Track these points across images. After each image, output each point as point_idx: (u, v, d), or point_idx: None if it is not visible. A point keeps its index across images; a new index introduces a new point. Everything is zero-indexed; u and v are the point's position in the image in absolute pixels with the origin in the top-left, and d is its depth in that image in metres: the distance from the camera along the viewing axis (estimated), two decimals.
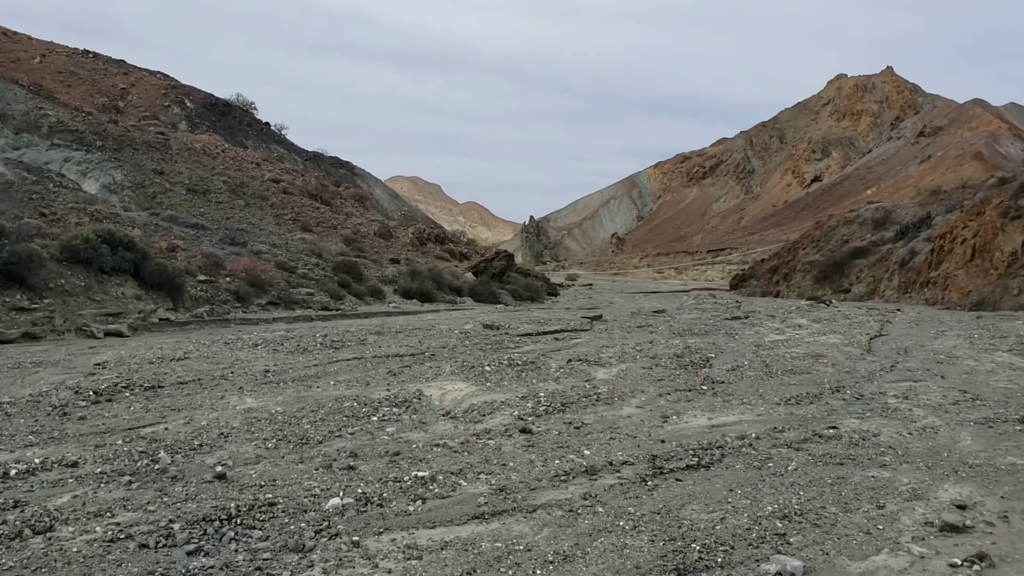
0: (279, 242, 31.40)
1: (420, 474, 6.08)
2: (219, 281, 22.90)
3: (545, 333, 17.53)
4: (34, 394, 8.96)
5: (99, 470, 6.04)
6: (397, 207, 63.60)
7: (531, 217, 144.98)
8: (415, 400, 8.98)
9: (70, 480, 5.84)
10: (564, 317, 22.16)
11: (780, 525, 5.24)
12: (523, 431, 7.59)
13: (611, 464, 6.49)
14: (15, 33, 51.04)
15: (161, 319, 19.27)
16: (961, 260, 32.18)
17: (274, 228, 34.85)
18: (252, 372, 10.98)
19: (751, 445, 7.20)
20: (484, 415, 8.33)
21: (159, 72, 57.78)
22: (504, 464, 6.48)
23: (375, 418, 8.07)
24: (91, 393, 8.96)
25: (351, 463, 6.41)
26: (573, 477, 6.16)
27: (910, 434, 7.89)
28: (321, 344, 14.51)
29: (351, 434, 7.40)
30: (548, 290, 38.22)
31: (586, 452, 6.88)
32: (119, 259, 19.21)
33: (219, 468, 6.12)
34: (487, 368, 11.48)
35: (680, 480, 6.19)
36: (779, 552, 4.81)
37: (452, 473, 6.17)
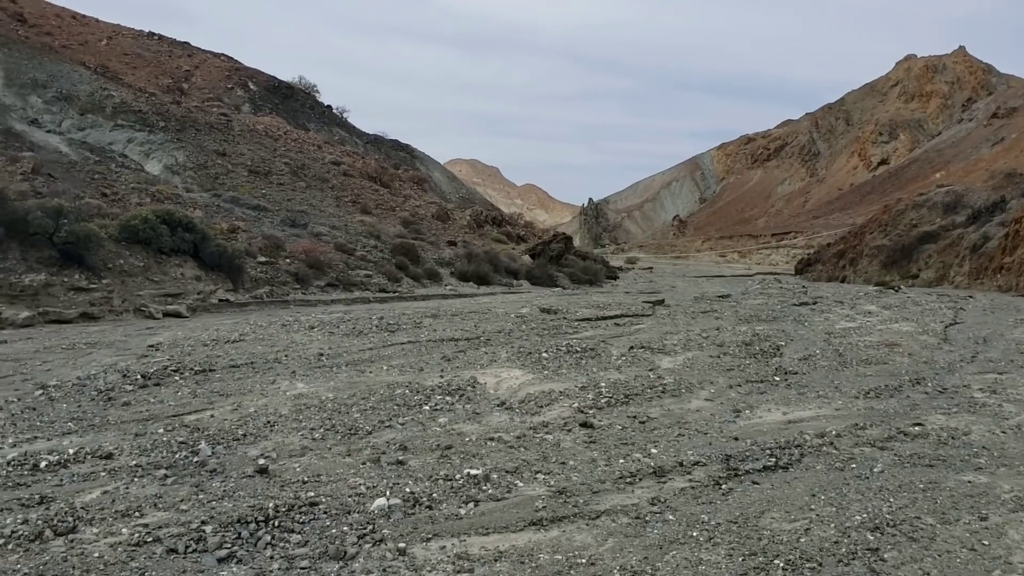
0: (339, 224, 31.38)
1: (473, 472, 5.61)
2: (279, 262, 22.88)
3: (605, 318, 17.05)
4: (82, 377, 8.77)
5: (134, 463, 5.71)
6: (455, 189, 63.40)
7: (590, 199, 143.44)
8: (469, 388, 8.56)
9: (102, 473, 5.51)
10: (624, 301, 21.64)
11: (872, 538, 4.68)
12: (583, 425, 7.09)
13: (681, 464, 5.95)
14: (83, 16, 51.83)
15: (220, 300, 19.25)
16: None
17: (334, 210, 34.84)
18: (306, 355, 10.71)
19: (832, 444, 6.60)
20: (541, 406, 7.85)
21: (223, 54, 58.22)
22: (563, 463, 5.98)
23: (427, 407, 7.66)
24: (139, 377, 8.73)
25: (400, 457, 5.99)
26: (639, 479, 5.64)
27: (1003, 433, 7.22)
28: (376, 327, 14.25)
29: (401, 424, 7.00)
30: (607, 273, 37.59)
31: (653, 450, 6.36)
32: (178, 240, 19.21)
33: (261, 461, 5.74)
34: (544, 355, 11.04)
35: (757, 483, 5.63)
36: (874, 571, 4.27)
37: (507, 472, 5.70)
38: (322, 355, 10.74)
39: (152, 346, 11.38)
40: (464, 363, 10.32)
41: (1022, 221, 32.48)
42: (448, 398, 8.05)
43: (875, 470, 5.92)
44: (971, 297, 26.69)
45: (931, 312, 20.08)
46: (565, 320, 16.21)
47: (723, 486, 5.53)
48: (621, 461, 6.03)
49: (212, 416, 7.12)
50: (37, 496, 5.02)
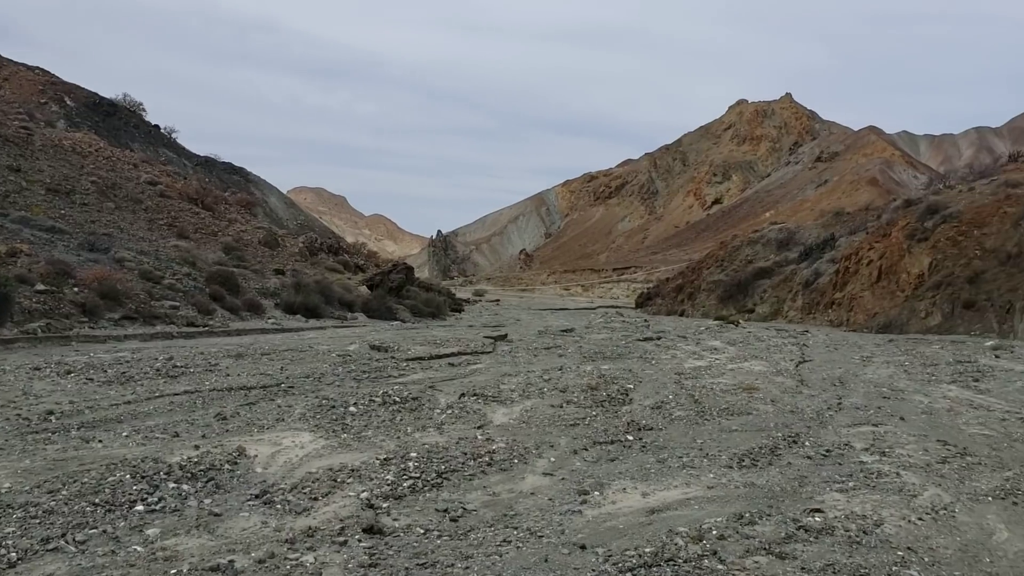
0: (148, 249, 28.06)
1: None
2: (63, 292, 19.62)
3: (439, 357, 15.24)
4: None
5: None
6: (293, 216, 60.08)
7: (439, 231, 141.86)
8: (227, 466, 6.17)
9: None
10: (465, 337, 19.86)
11: None
12: (368, 531, 4.85)
13: None
14: None
15: None
16: (867, 282, 31.62)
17: (145, 234, 31.38)
18: (28, 414, 8.09)
19: (715, 553, 4.64)
20: (318, 496, 5.55)
21: (37, 68, 52.99)
22: None
23: (142, 505, 5.17)
24: None
25: None
26: None
27: (920, 520, 5.60)
28: (156, 371, 11.72)
29: (80, 544, 4.50)
30: (452, 306, 35.77)
31: None
32: None
33: None
34: (352, 409, 8.90)
35: None
36: None
37: None
38: (52, 413, 8.13)
39: None
40: (242, 424, 7.99)
41: (852, 258, 33.24)
42: (186, 486, 5.60)
43: None
44: (807, 332, 26.67)
45: (777, 349, 19.37)
46: (394, 360, 14.24)
47: None
48: None
49: None
50: None
